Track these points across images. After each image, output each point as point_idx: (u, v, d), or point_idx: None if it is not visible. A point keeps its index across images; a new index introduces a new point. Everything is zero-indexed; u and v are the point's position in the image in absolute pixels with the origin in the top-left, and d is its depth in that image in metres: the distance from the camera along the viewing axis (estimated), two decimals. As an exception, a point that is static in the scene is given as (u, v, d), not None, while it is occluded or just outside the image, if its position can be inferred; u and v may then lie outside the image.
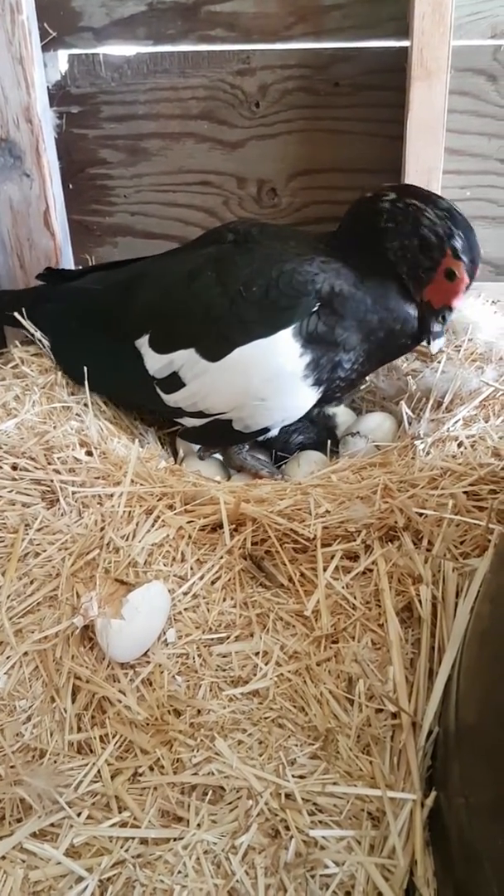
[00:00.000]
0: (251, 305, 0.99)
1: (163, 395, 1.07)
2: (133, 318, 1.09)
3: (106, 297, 1.13)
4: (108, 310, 1.12)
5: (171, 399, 1.06)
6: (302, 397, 1.02)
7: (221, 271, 1.03)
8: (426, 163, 1.21)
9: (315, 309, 0.98)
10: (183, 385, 1.04)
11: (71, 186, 1.40)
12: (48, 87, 1.32)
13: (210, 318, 1.01)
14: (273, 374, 0.99)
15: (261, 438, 1.09)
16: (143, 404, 1.15)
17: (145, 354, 1.07)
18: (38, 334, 1.16)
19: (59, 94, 1.34)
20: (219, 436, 1.09)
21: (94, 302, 1.15)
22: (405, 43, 1.19)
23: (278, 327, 0.98)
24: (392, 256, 1.00)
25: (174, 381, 1.05)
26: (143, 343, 1.07)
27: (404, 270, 1.00)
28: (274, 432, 1.08)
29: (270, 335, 0.98)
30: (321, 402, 1.06)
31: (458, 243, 0.97)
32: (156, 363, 1.06)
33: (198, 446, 1.15)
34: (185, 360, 1.03)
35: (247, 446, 1.12)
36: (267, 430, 1.06)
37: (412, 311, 1.02)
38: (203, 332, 1.02)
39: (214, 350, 1.01)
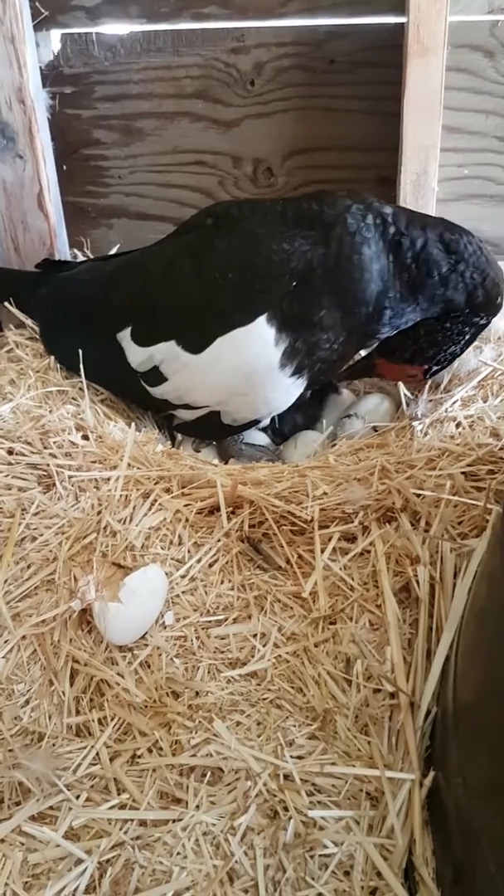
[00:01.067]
0: (227, 293, 0.97)
1: (148, 388, 1.06)
2: (115, 312, 1.07)
3: (91, 289, 1.12)
4: (92, 302, 1.10)
5: (157, 391, 1.05)
6: (283, 389, 1.00)
7: (198, 259, 1.00)
8: (423, 141, 1.20)
9: (291, 288, 0.95)
10: (165, 379, 1.03)
11: (65, 168, 1.39)
12: (41, 68, 1.30)
13: (188, 309, 1.00)
14: (251, 369, 0.97)
15: (256, 427, 1.08)
16: (132, 398, 1.12)
17: (127, 348, 1.05)
18: (28, 321, 1.15)
19: (51, 75, 1.32)
20: (212, 429, 1.07)
21: (80, 293, 1.13)
22: (401, 19, 1.18)
23: (255, 314, 0.95)
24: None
25: (157, 375, 1.04)
26: (124, 336, 1.05)
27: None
28: (265, 423, 1.07)
29: (248, 323, 0.96)
30: (309, 388, 1.04)
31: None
32: (137, 356, 1.04)
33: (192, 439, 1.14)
34: (165, 353, 1.02)
35: (242, 437, 1.10)
36: (256, 422, 1.05)
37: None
38: (182, 323, 1.01)
39: (195, 342, 0.99)
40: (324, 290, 0.95)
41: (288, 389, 1.00)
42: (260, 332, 0.96)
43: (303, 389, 1.02)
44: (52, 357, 1.12)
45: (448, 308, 0.99)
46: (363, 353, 1.13)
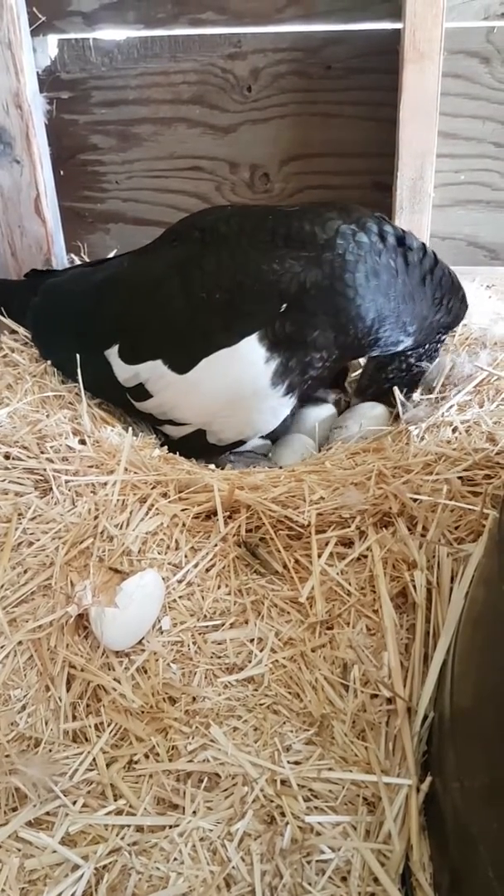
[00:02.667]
0: (214, 314, 0.96)
1: (134, 403, 1.06)
2: (102, 328, 1.06)
3: (80, 303, 1.11)
4: (80, 317, 1.10)
5: (142, 406, 1.05)
6: (269, 411, 1.00)
7: (185, 278, 1.00)
8: (419, 146, 1.20)
9: (282, 310, 0.94)
10: (151, 395, 1.03)
11: (62, 173, 1.39)
12: (38, 73, 1.31)
13: (174, 328, 0.99)
14: (236, 391, 0.97)
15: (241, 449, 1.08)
16: (121, 408, 1.11)
17: (114, 364, 1.05)
18: (21, 330, 1.15)
19: (49, 80, 1.33)
20: (198, 448, 1.06)
21: (70, 306, 1.12)
22: (398, 25, 1.18)
23: (243, 335, 0.95)
24: None
25: (142, 391, 1.04)
26: (111, 353, 1.05)
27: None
28: (251, 444, 1.06)
29: (233, 344, 0.95)
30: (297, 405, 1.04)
31: None
32: (124, 372, 1.04)
33: None
34: (150, 372, 1.02)
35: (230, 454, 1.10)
36: (242, 442, 1.05)
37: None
38: (168, 343, 1.00)
39: (180, 362, 0.99)
40: (317, 311, 0.95)
41: (275, 410, 1.00)
42: (245, 352, 0.95)
43: (291, 408, 1.02)
44: (49, 361, 1.12)
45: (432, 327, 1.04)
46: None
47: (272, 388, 0.97)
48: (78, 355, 1.05)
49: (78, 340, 1.08)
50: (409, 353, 1.07)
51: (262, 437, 1.09)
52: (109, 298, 1.07)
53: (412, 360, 1.08)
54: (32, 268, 1.30)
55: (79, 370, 1.06)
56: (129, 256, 1.16)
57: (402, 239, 0.99)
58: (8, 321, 1.16)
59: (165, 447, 1.07)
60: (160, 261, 1.06)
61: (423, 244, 1.02)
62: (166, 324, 1.00)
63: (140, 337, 1.03)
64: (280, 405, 1.00)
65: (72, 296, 1.13)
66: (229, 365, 0.96)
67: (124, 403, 1.08)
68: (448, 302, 1.03)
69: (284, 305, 0.94)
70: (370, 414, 1.11)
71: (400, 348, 1.04)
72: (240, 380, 0.97)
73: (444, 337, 1.10)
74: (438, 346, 1.10)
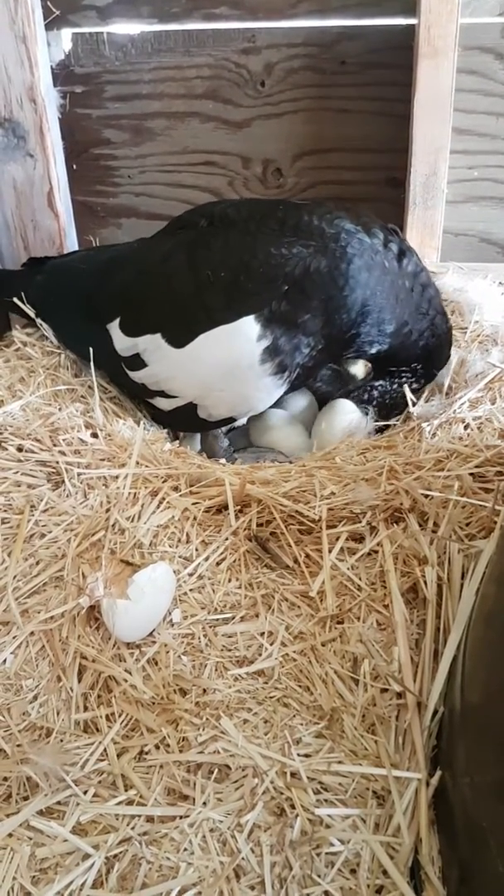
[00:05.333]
0: (218, 291, 0.98)
1: (128, 372, 1.07)
2: (107, 302, 1.08)
3: (85, 278, 1.13)
4: (85, 290, 1.11)
5: (136, 376, 1.07)
6: (264, 389, 1.01)
7: (192, 255, 1.02)
8: (433, 142, 1.20)
9: (283, 292, 0.96)
10: (146, 365, 1.05)
11: (75, 167, 1.39)
12: (52, 67, 1.31)
13: (177, 303, 1.01)
14: (232, 365, 0.98)
15: (225, 428, 1.10)
16: (115, 378, 1.13)
17: (114, 336, 1.07)
18: (38, 320, 1.16)
19: (62, 74, 1.33)
20: (187, 421, 1.08)
21: (74, 280, 1.14)
22: (412, 20, 1.18)
23: (242, 313, 0.97)
24: None
25: (138, 361, 1.05)
26: (113, 326, 1.07)
27: None
28: (241, 422, 1.08)
29: (233, 321, 0.97)
30: (288, 391, 1.05)
31: None
32: (122, 343, 1.06)
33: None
34: (148, 343, 1.03)
35: (222, 432, 1.11)
36: (232, 420, 1.06)
37: None
38: (169, 317, 1.02)
39: (179, 336, 1.01)
40: (312, 296, 0.97)
41: (269, 389, 1.01)
42: (244, 329, 0.97)
43: (283, 391, 1.03)
44: (63, 355, 1.13)
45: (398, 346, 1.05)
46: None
47: (261, 365, 0.98)
48: (74, 329, 1.10)
49: (81, 313, 1.10)
50: (377, 384, 1.11)
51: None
52: (116, 273, 1.09)
53: (375, 394, 1.11)
54: (30, 257, 1.31)
55: (91, 361, 1.07)
56: (138, 241, 1.19)
57: (404, 252, 1.02)
58: (27, 308, 1.15)
59: (152, 425, 1.10)
60: (168, 241, 1.08)
61: (425, 267, 1.05)
62: (169, 298, 1.02)
63: (142, 310, 1.05)
64: (272, 384, 1.00)
65: (78, 272, 1.15)
66: (225, 341, 0.98)
67: (118, 373, 1.09)
68: (432, 319, 1.05)
69: (286, 287, 0.96)
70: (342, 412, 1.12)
71: (373, 350, 1.05)
72: (234, 356, 0.98)
73: (418, 371, 1.09)
74: (406, 378, 1.10)
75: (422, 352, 1.07)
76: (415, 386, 1.10)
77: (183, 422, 1.10)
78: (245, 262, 0.97)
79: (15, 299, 1.16)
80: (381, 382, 1.11)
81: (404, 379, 1.09)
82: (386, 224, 1.03)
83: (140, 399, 1.13)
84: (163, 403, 1.08)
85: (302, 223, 1.00)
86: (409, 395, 1.08)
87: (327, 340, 1.00)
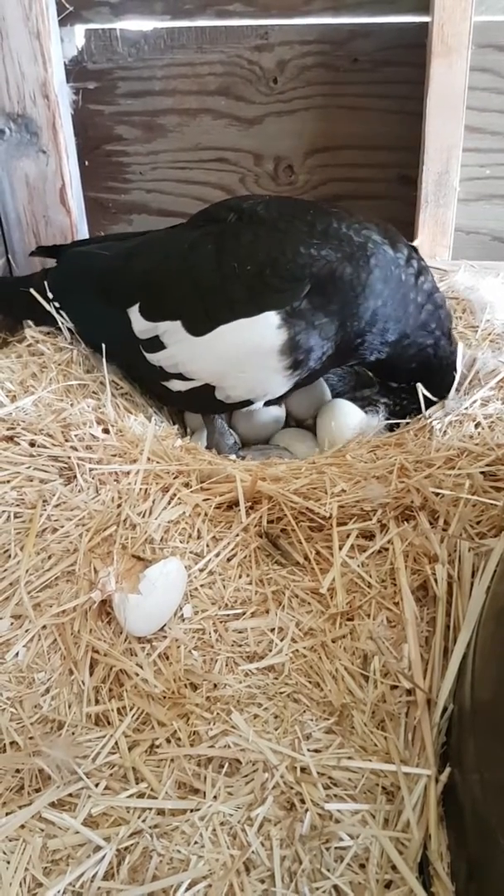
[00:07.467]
0: (242, 284, 0.98)
1: (146, 354, 1.07)
2: (128, 287, 1.08)
3: (107, 262, 1.13)
4: (106, 274, 1.12)
5: (154, 358, 1.06)
6: (277, 380, 1.01)
7: (220, 246, 1.02)
8: (446, 140, 1.20)
9: (306, 291, 0.97)
10: (164, 347, 1.05)
11: (87, 163, 1.40)
12: (65, 63, 1.31)
13: (199, 292, 1.01)
14: (253, 348, 0.99)
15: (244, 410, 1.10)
16: (129, 363, 1.13)
17: (133, 319, 1.07)
18: (60, 316, 1.15)
19: (75, 70, 1.33)
20: (202, 402, 1.08)
21: (95, 265, 1.14)
22: (425, 18, 1.18)
23: (264, 308, 0.97)
24: None
25: (156, 343, 1.05)
26: (133, 311, 1.07)
27: None
28: (257, 405, 1.07)
29: (255, 315, 0.97)
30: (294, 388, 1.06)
31: None
32: (141, 325, 1.06)
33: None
34: (168, 327, 1.04)
35: (221, 418, 1.12)
36: (249, 402, 1.06)
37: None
38: (190, 306, 1.02)
39: (198, 326, 1.01)
40: (332, 300, 0.97)
41: (280, 381, 1.02)
42: (265, 322, 0.97)
43: (290, 387, 1.03)
44: (75, 351, 1.13)
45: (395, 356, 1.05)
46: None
47: (279, 355, 0.98)
48: (93, 313, 1.10)
49: (101, 297, 1.11)
50: (382, 401, 1.11)
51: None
52: (139, 258, 1.10)
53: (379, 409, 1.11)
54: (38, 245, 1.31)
55: (104, 356, 1.07)
56: (164, 229, 1.19)
57: (422, 270, 1.02)
58: (43, 301, 1.15)
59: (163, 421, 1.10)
60: (194, 232, 1.08)
61: (440, 290, 1.05)
62: (193, 286, 1.02)
63: (164, 296, 1.05)
64: (285, 377, 1.01)
65: (100, 257, 1.15)
66: (247, 331, 0.98)
67: (134, 355, 1.08)
68: (437, 340, 1.04)
69: (309, 287, 0.96)
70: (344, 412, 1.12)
71: (372, 358, 1.05)
72: (255, 341, 0.98)
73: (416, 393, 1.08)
74: (407, 399, 1.09)
75: (418, 367, 1.06)
76: (414, 408, 1.08)
77: (198, 403, 1.10)
78: (273, 257, 0.98)
79: (32, 290, 1.16)
80: (385, 400, 1.11)
81: (406, 401, 1.09)
82: (410, 242, 1.04)
83: (154, 383, 1.12)
84: (179, 385, 1.08)
85: (331, 229, 1.00)
86: (422, 391, 1.08)
87: (337, 347, 1.01)
